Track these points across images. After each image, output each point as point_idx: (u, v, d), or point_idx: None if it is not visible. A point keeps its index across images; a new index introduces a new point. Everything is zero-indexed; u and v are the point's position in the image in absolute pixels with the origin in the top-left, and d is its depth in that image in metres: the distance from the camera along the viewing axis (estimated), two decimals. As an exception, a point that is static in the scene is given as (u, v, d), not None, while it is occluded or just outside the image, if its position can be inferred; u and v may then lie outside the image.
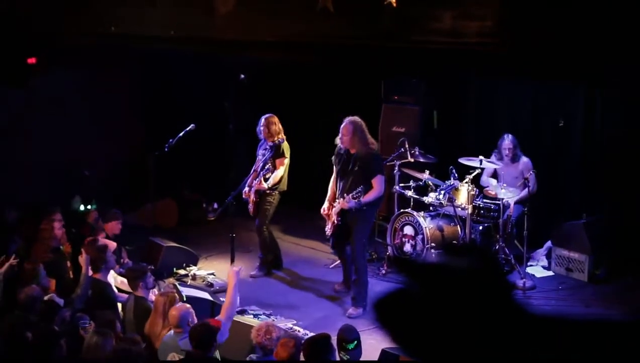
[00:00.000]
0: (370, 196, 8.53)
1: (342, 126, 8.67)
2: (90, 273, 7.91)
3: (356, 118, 8.70)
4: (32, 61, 10.97)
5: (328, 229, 8.88)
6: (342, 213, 8.67)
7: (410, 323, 1.25)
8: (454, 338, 1.24)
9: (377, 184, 8.57)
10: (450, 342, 1.24)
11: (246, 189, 9.61)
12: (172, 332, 6.68)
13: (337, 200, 8.74)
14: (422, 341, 1.26)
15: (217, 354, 6.41)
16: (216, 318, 6.81)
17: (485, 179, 10.11)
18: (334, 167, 8.93)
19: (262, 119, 9.68)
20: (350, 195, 8.48)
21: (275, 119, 9.65)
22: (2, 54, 10.72)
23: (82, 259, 7.84)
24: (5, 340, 6.43)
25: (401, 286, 1.29)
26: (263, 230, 9.78)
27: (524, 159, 9.86)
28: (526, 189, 9.43)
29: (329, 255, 10.61)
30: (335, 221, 8.72)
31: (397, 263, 9.80)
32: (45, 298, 7.07)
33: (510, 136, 9.88)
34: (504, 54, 8.82)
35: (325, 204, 8.98)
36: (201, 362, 6.15)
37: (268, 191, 9.60)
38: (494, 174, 10.06)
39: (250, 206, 9.71)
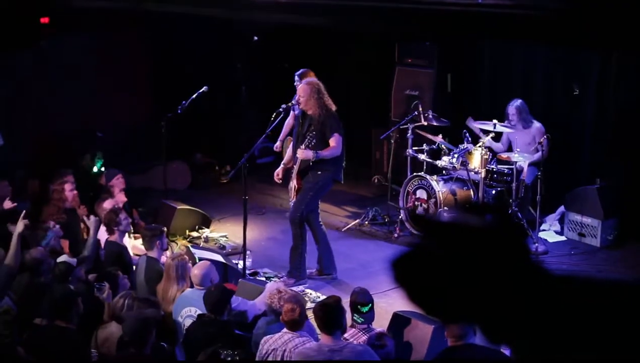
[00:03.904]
0: (327, 152, 8.24)
1: (299, 86, 8.51)
2: (106, 236, 7.97)
3: (314, 79, 8.53)
4: (44, 20, 10.92)
5: (291, 197, 8.62)
6: (301, 174, 8.41)
7: (429, 282, 1.25)
8: (471, 296, 1.23)
9: (334, 142, 8.24)
10: (467, 301, 1.23)
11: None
12: (194, 288, 6.79)
13: (294, 166, 8.49)
14: (440, 300, 1.25)
15: None
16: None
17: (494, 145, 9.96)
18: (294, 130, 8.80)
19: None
20: (304, 144, 8.25)
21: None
22: (14, 14, 10.67)
23: (90, 222, 7.86)
24: (20, 301, 6.49)
25: (418, 246, 1.28)
26: None
27: (537, 125, 9.76)
28: (539, 153, 9.38)
29: (341, 218, 10.64)
30: (296, 185, 8.45)
31: (416, 221, 9.69)
32: (59, 259, 7.10)
33: (517, 102, 9.70)
34: (518, 17, 8.72)
35: (280, 168, 8.86)
36: (213, 324, 6.21)
37: None
38: (509, 148, 9.95)
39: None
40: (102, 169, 10.91)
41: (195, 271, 6.84)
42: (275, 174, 8.91)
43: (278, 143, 10.07)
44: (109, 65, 11.95)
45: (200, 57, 12.51)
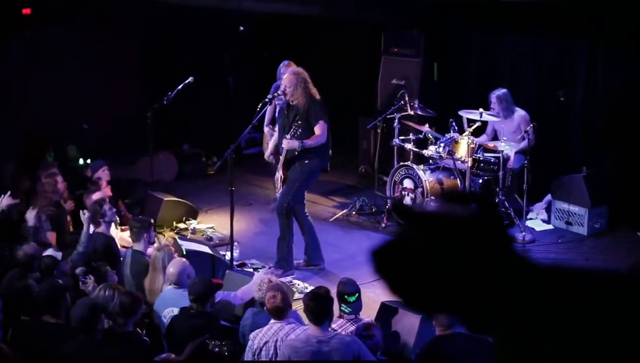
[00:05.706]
0: (312, 140, 8.21)
1: (284, 76, 8.44)
2: (92, 228, 7.90)
3: (300, 69, 8.47)
4: (26, 11, 10.83)
5: (278, 187, 8.61)
6: (287, 164, 8.41)
7: (410, 273, 1.23)
8: (454, 288, 1.21)
9: (320, 129, 8.21)
10: (450, 293, 1.21)
11: None
12: (172, 287, 6.70)
13: (281, 157, 8.48)
14: (422, 292, 1.23)
15: None
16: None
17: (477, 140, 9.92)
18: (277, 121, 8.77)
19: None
20: (290, 134, 8.24)
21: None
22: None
23: (84, 216, 7.80)
24: (6, 296, 6.43)
25: (400, 236, 1.26)
26: None
27: (521, 113, 9.72)
28: (526, 141, 9.36)
29: (329, 209, 10.61)
30: (282, 176, 8.45)
31: (397, 211, 9.67)
32: (44, 253, 7.05)
33: (499, 91, 9.64)
34: (506, 5, 8.72)
35: (268, 150, 8.98)
36: (199, 316, 6.18)
37: None
38: (495, 137, 9.93)
39: None
40: (88, 161, 10.80)
41: (171, 270, 6.72)
42: (267, 157, 8.86)
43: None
44: (96, 56, 11.87)
45: (188, 48, 12.45)
